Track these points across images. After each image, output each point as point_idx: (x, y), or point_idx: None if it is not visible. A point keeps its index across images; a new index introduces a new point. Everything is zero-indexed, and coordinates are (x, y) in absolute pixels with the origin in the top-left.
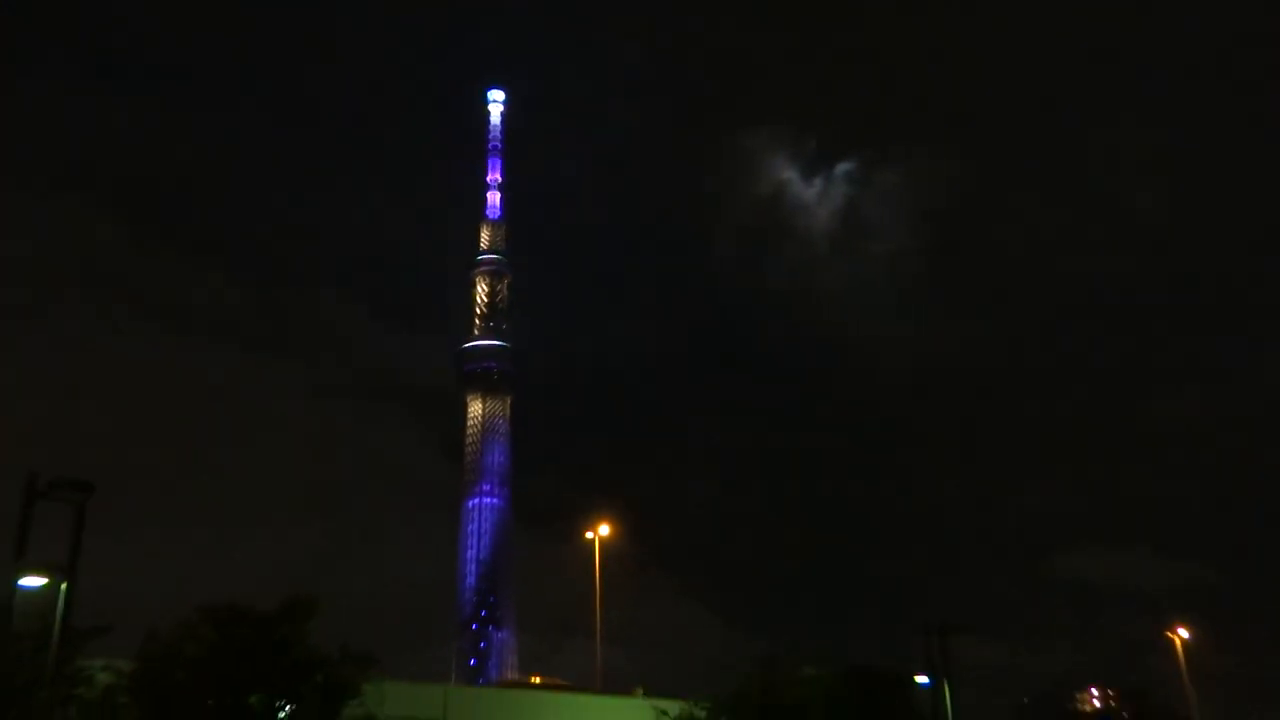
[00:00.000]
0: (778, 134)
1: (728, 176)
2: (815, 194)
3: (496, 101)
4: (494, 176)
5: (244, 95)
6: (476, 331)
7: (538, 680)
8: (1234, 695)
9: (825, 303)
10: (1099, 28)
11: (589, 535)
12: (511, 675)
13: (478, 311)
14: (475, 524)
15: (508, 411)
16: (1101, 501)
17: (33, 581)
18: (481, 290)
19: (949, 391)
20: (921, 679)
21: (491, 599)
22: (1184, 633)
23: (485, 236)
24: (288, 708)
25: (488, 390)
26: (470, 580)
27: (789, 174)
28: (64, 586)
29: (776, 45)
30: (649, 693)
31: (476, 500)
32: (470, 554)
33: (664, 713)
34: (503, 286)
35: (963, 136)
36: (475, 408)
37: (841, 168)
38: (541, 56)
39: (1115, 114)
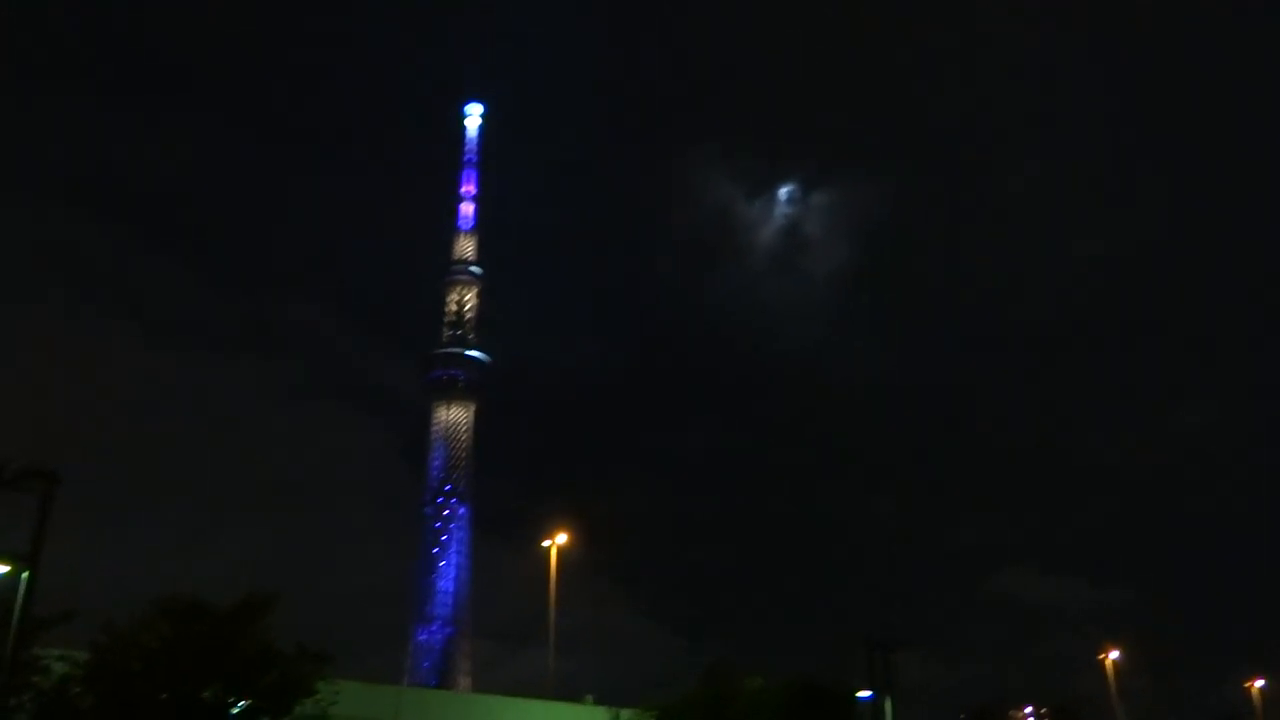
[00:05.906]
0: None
1: (675, 194)
2: (757, 213)
3: (473, 115)
4: (468, 189)
5: (216, 102)
6: (444, 340)
7: None
8: (1156, 710)
9: (767, 319)
10: (1042, 52)
11: (545, 544)
12: (465, 681)
13: (447, 320)
14: (435, 530)
15: (471, 420)
16: (1034, 528)
17: None
18: (452, 300)
19: (889, 410)
20: (864, 693)
21: (448, 604)
22: (1115, 654)
23: (457, 247)
24: (241, 703)
25: (452, 398)
26: (428, 585)
27: (732, 192)
28: (25, 575)
29: (733, 63)
30: (600, 701)
31: (437, 506)
32: (428, 559)
33: (616, 717)
34: (471, 296)
35: (904, 159)
36: (440, 414)
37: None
38: (509, 69)
39: (1058, 143)
